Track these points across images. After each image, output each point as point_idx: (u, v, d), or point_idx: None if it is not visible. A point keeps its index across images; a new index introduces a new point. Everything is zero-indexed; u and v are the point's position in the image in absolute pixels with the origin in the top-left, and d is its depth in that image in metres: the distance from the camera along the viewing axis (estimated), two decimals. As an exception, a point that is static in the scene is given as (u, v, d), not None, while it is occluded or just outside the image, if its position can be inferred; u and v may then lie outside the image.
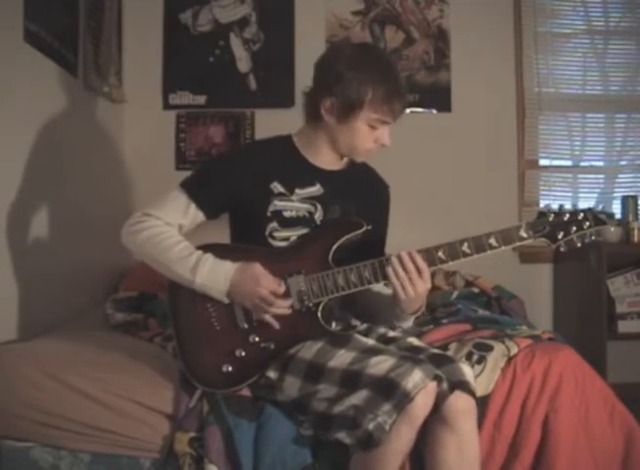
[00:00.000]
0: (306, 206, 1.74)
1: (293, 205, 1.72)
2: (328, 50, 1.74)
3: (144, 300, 2.42)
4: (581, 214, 1.62)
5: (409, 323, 1.76)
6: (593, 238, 1.62)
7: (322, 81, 1.71)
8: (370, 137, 1.70)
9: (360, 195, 1.82)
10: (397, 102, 1.67)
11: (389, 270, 1.60)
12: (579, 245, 1.63)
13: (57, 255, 2.38)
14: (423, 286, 1.60)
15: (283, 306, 1.62)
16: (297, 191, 1.74)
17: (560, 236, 1.62)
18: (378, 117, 1.67)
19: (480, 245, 1.60)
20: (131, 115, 3.18)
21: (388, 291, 1.74)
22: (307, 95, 1.75)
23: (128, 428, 1.66)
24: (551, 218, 1.62)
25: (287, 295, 1.63)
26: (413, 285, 1.59)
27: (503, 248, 1.61)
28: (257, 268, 1.61)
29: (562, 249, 1.63)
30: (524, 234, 1.61)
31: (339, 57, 1.69)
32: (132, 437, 1.66)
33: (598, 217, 1.62)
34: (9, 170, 2.09)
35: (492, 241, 1.60)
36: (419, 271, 1.59)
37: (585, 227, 1.61)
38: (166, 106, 3.26)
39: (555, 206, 1.68)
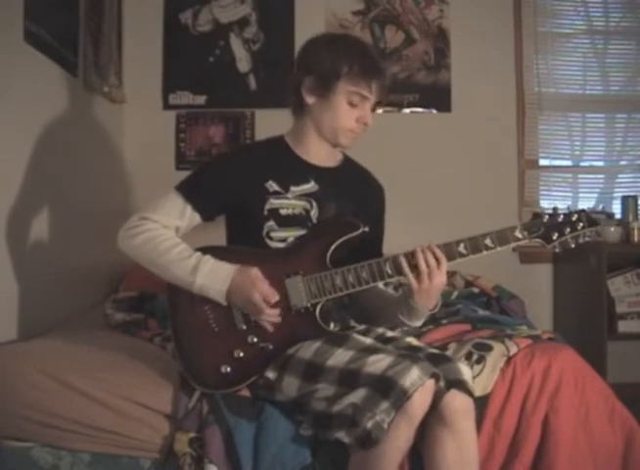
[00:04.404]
0: (302, 203, 1.74)
1: (289, 202, 1.73)
2: (303, 44, 1.78)
3: (144, 300, 2.42)
4: (575, 216, 1.64)
5: (420, 322, 1.73)
6: (587, 239, 1.64)
7: (300, 66, 1.76)
8: (351, 115, 1.72)
9: (356, 195, 1.82)
10: (375, 76, 1.70)
11: (402, 260, 1.60)
12: (573, 246, 1.64)
13: (57, 255, 2.38)
14: (439, 278, 1.60)
15: (272, 315, 1.62)
16: (292, 188, 1.74)
17: (554, 237, 1.63)
18: (356, 90, 1.69)
19: (476, 245, 1.61)
20: (131, 115, 3.18)
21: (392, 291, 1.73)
22: (289, 86, 1.77)
23: (128, 428, 1.66)
24: (545, 219, 1.64)
25: (283, 296, 1.63)
26: (430, 276, 1.59)
27: (499, 248, 1.62)
28: (256, 272, 1.61)
29: (556, 250, 1.64)
30: (518, 235, 1.63)
31: (313, 42, 1.77)
32: (132, 437, 1.66)
33: (591, 219, 1.64)
34: (9, 170, 2.09)
35: (488, 241, 1.61)
36: (437, 263, 1.59)
37: (579, 228, 1.63)
38: (166, 106, 3.26)
39: (551, 207, 1.69)
